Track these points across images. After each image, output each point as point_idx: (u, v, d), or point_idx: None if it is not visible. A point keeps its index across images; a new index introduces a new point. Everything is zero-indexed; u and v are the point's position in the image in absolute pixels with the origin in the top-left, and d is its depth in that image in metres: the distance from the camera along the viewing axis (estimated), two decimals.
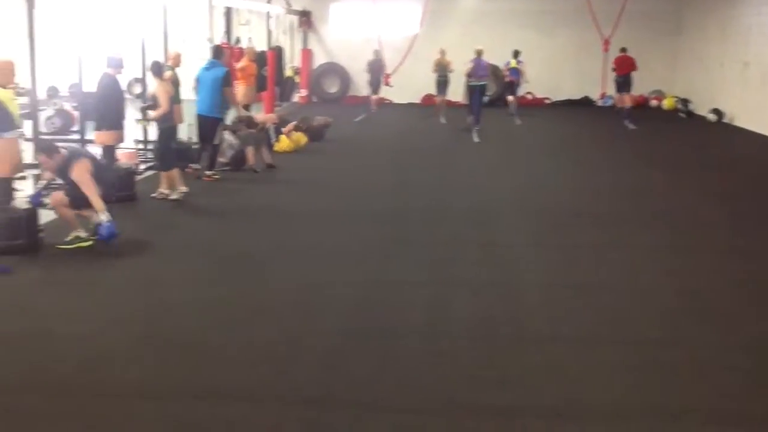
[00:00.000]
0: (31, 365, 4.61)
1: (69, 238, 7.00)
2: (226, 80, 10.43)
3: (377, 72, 19.47)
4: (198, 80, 10.55)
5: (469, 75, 16.77)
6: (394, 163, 12.85)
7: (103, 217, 6.74)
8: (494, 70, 19.81)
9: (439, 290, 6.26)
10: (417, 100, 22.72)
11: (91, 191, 6.75)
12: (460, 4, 22.82)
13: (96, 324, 5.31)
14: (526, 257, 7.30)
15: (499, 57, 20.14)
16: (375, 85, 19.54)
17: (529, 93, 22.35)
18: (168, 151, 9.17)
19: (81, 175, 6.79)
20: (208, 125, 10.42)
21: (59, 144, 7.42)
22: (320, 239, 7.77)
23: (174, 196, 9.02)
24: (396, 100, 22.40)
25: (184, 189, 9.12)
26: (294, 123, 13.70)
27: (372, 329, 5.38)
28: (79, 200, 6.89)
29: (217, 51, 11.27)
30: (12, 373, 4.50)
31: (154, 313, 5.57)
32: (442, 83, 18.62)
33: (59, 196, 7.05)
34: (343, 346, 5.05)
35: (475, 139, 15.73)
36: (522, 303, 6.00)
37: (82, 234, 7.02)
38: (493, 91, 21.07)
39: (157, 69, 9.34)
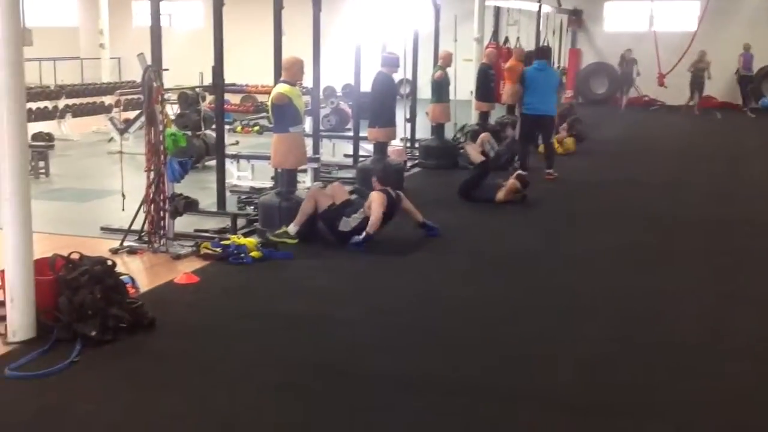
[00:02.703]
0: (311, 345, 4.88)
1: (279, 231, 7.07)
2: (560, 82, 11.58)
3: (627, 71, 21.33)
4: (531, 81, 10.75)
5: (740, 68, 20.32)
6: (664, 164, 12.25)
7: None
8: None
9: (719, 304, 5.79)
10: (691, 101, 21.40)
11: (376, 215, 6.98)
12: (745, 2, 21.16)
13: (364, 311, 5.53)
14: None
15: None
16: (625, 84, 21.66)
17: None
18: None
19: (375, 200, 7.08)
20: (550, 124, 11.00)
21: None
22: (581, 243, 7.54)
23: None
24: (669, 102, 21.27)
25: None
26: (564, 133, 13.37)
27: (639, 340, 5.08)
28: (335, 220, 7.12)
29: (545, 51, 11.91)
30: (295, 352, 4.78)
31: (414, 305, 5.69)
32: (697, 83, 20.02)
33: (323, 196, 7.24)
34: (608, 355, 4.82)
35: (750, 114, 19.40)
36: None
37: (292, 231, 7.09)
38: None
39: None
